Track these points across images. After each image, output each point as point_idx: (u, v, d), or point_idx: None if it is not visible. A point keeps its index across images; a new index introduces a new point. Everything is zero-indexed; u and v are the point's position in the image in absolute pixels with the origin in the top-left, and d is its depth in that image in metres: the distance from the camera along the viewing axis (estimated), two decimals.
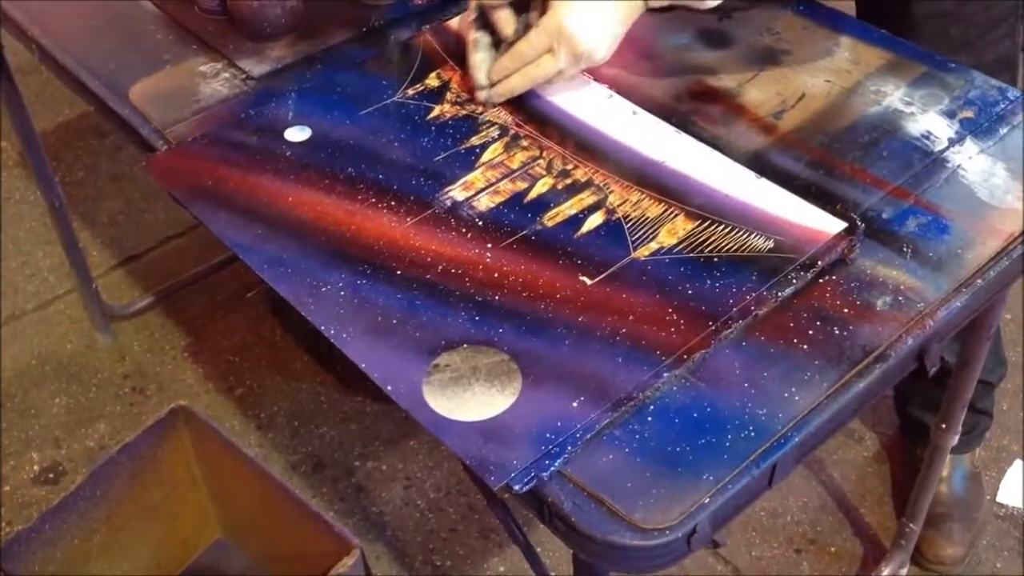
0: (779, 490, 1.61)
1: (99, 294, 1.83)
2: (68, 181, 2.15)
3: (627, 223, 0.90)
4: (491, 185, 0.94)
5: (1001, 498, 1.60)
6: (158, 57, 1.11)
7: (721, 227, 0.89)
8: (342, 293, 0.85)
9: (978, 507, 1.54)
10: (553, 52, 0.98)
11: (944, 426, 1.29)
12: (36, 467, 1.66)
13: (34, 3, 1.18)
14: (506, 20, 1.01)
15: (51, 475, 1.66)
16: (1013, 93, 1.04)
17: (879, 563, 1.50)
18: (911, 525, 1.42)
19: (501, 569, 1.53)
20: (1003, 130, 1.00)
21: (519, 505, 0.75)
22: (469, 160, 0.97)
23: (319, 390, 1.77)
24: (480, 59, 1.02)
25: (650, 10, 0.99)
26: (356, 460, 1.67)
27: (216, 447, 1.26)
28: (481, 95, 1.03)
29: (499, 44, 1.02)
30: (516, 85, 1.01)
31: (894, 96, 1.04)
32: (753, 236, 0.88)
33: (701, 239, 0.88)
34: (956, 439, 1.31)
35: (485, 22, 1.02)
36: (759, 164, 0.96)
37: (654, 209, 0.92)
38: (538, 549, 0.95)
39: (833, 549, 1.55)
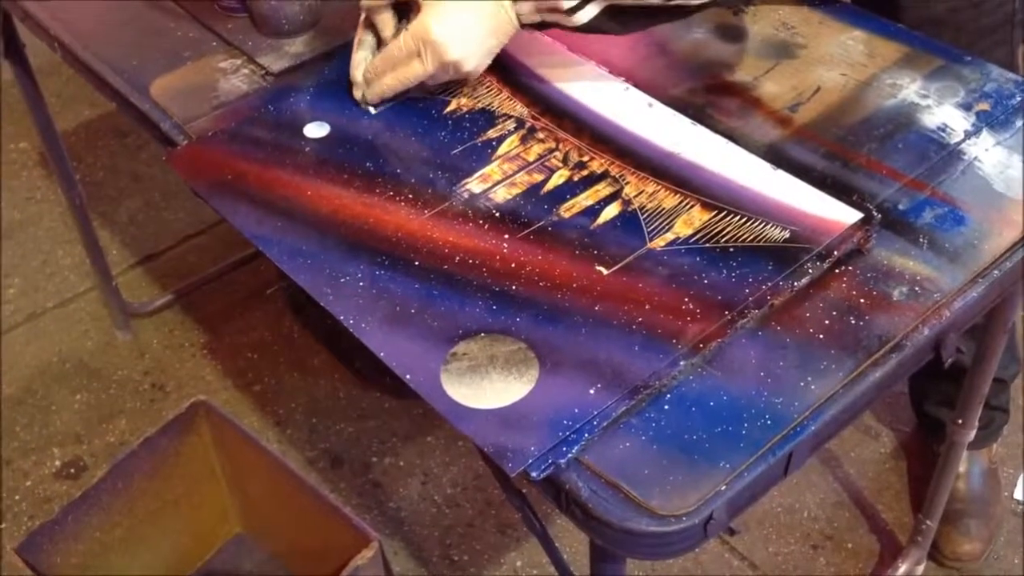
0: (796, 486, 1.61)
1: (119, 292, 1.85)
2: (88, 180, 2.17)
3: (643, 214, 0.91)
4: (508, 177, 0.95)
5: (1018, 494, 1.59)
6: (178, 54, 1.12)
7: (737, 217, 0.90)
8: (361, 284, 0.86)
9: (995, 503, 1.54)
10: (420, 57, 0.98)
11: (961, 421, 1.29)
12: (57, 462, 1.68)
13: (56, 2, 1.20)
14: (386, 22, 1.02)
15: (72, 470, 1.67)
16: None
17: (896, 559, 1.50)
18: (928, 521, 1.42)
19: (518, 564, 1.54)
20: (1019, 122, 1.00)
21: (536, 492, 0.75)
22: (486, 153, 0.98)
23: (336, 387, 1.78)
24: (360, 58, 1.03)
25: (523, 26, 0.97)
26: (373, 456, 1.68)
27: (236, 442, 1.27)
28: (356, 93, 1.04)
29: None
30: (388, 86, 1.01)
31: (910, 89, 1.04)
32: (769, 226, 0.89)
33: (717, 229, 0.89)
34: (973, 435, 1.31)
35: (372, 23, 1.03)
36: (775, 156, 0.96)
37: (670, 200, 0.92)
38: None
39: (850, 545, 1.55)
